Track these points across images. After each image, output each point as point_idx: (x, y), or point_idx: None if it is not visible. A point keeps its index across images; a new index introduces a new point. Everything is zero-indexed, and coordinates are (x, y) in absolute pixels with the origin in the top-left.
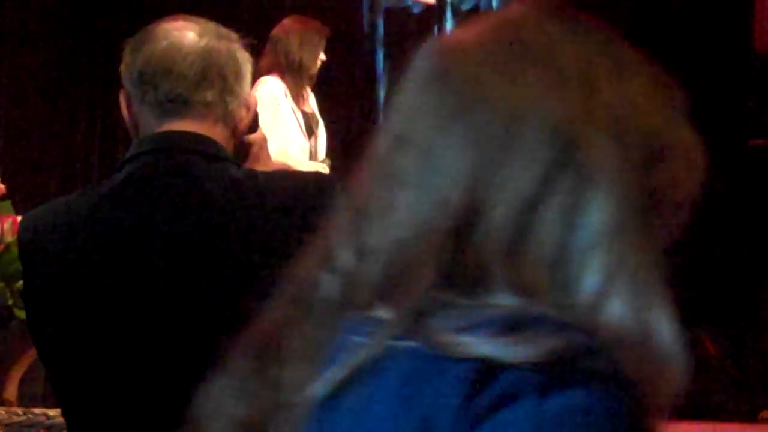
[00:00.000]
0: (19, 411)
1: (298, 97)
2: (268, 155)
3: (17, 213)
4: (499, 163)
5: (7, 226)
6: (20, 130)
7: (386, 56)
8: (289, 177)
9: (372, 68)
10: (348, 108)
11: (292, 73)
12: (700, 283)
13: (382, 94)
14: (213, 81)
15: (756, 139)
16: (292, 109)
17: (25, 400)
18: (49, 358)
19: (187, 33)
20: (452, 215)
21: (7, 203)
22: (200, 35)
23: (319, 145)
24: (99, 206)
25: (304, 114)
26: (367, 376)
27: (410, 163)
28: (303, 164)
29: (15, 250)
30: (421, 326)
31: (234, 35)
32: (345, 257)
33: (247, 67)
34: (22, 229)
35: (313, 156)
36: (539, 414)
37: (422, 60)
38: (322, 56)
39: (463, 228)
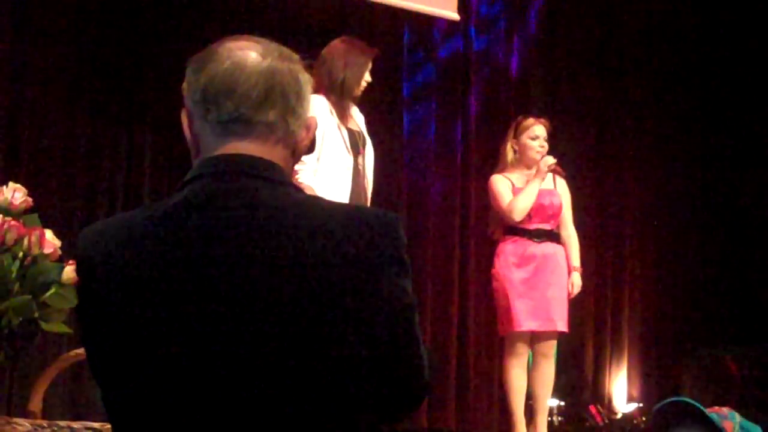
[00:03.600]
0: (44, 423)
1: (343, 115)
2: None
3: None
4: None
5: (34, 239)
6: (46, 145)
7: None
8: (352, 209)
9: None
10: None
11: (336, 93)
12: (725, 304)
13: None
14: (275, 101)
15: None
16: (338, 126)
17: (47, 412)
18: (103, 372)
19: (250, 53)
20: None
21: (34, 216)
22: (263, 55)
23: (367, 163)
24: (159, 225)
25: (350, 132)
26: None
27: None
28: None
29: (43, 263)
30: None
31: (295, 56)
32: None
33: (308, 88)
34: (82, 243)
35: (360, 174)
36: None
37: None
38: (368, 77)
39: None
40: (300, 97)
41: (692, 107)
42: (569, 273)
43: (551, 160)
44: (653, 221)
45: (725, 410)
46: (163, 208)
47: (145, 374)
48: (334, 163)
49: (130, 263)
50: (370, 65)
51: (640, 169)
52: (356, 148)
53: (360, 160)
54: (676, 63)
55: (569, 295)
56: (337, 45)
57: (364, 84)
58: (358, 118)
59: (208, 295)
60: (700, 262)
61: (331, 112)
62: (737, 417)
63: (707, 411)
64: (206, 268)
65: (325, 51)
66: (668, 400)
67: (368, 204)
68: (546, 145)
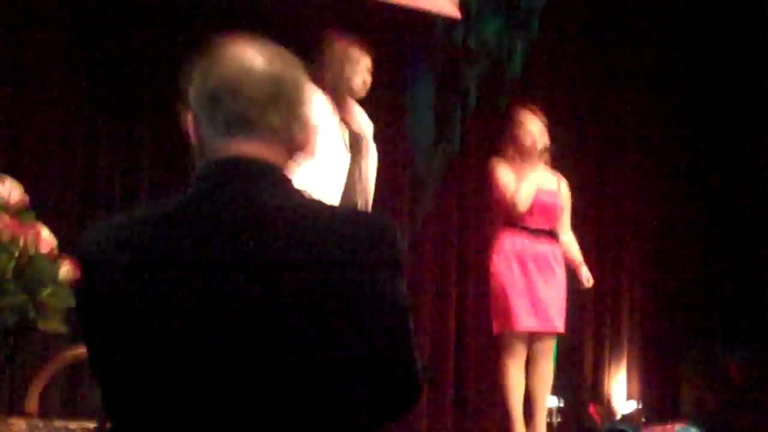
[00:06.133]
0: (40, 423)
1: (343, 116)
2: None
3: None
4: None
5: (30, 237)
6: (44, 140)
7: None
8: (351, 213)
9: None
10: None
11: (330, 93)
12: (726, 303)
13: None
14: (280, 106)
15: None
16: (338, 124)
17: (44, 412)
18: (104, 372)
19: (256, 57)
20: None
21: (31, 213)
22: (269, 61)
23: (370, 166)
24: (162, 225)
25: (350, 131)
26: None
27: None
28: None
29: (39, 262)
30: None
31: (299, 62)
32: None
33: (310, 94)
34: (86, 241)
35: (358, 176)
36: None
37: None
38: (367, 77)
39: None
40: (303, 103)
41: (690, 100)
42: (576, 269)
43: (541, 142)
44: (652, 218)
45: (676, 427)
46: (165, 209)
47: (146, 374)
48: (328, 160)
49: (132, 263)
50: (367, 64)
51: (640, 166)
52: (355, 148)
53: (362, 163)
54: (676, 54)
55: (582, 286)
56: (331, 44)
57: (361, 84)
58: (363, 122)
59: (210, 295)
60: (701, 259)
61: (333, 110)
62: None
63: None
64: (208, 269)
65: (322, 49)
66: (608, 428)
67: (368, 208)
68: (534, 135)
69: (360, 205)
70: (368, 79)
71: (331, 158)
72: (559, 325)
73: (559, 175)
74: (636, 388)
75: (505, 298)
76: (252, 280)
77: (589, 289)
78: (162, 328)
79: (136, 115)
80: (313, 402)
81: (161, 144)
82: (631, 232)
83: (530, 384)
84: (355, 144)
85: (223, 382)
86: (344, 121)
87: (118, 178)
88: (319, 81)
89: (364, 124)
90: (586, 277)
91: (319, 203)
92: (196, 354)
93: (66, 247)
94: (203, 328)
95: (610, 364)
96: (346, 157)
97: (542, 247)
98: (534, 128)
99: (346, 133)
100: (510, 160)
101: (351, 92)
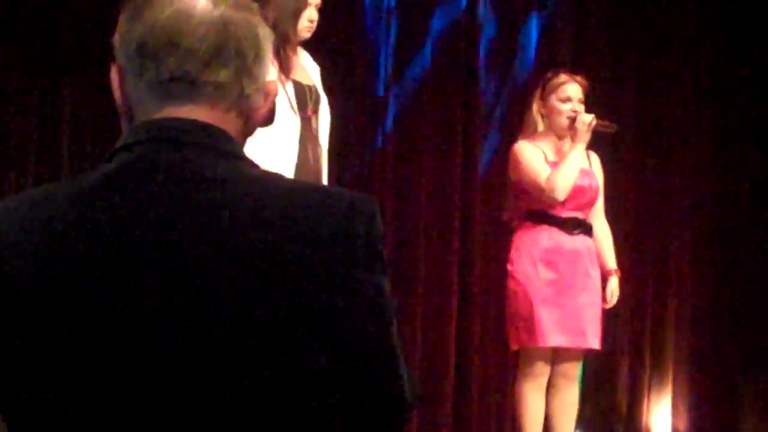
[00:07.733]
0: None
1: (285, 65)
2: None
3: None
4: None
5: None
6: None
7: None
8: (319, 190)
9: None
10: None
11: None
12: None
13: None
14: (228, 59)
15: None
16: (280, 80)
17: None
18: (8, 381)
19: None
20: None
21: None
22: (214, 2)
23: (321, 123)
24: (84, 203)
25: (297, 85)
26: None
27: None
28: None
29: None
30: None
31: (254, 5)
32: None
33: (268, 46)
34: None
35: (310, 139)
36: None
37: None
38: (312, 15)
39: None
40: (258, 56)
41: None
42: (606, 276)
43: (588, 117)
44: (708, 207)
45: None
46: (88, 182)
47: (64, 382)
48: (275, 126)
49: (49, 249)
50: (310, 4)
51: (694, 145)
52: (304, 105)
53: (313, 121)
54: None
55: (605, 304)
56: None
57: (307, 23)
58: (310, 69)
59: (142, 287)
60: (764, 262)
61: (272, 62)
62: None
63: None
64: (141, 255)
65: None
66: None
67: (323, 177)
68: (580, 109)
69: (316, 172)
70: (314, 17)
71: (277, 125)
72: (594, 341)
73: (588, 150)
74: (683, 420)
75: (529, 307)
76: (191, 274)
77: (626, 297)
78: (82, 326)
79: (56, 64)
80: (274, 426)
81: (87, 97)
82: (681, 225)
83: (551, 411)
84: (302, 100)
85: (155, 399)
86: (286, 73)
87: (34, 141)
88: None
89: (312, 72)
90: (611, 292)
91: (278, 177)
92: (123, 360)
93: None
94: (134, 326)
95: (650, 390)
96: (296, 121)
97: (575, 242)
98: (573, 95)
99: (291, 89)
100: (537, 138)
101: (288, 35)
